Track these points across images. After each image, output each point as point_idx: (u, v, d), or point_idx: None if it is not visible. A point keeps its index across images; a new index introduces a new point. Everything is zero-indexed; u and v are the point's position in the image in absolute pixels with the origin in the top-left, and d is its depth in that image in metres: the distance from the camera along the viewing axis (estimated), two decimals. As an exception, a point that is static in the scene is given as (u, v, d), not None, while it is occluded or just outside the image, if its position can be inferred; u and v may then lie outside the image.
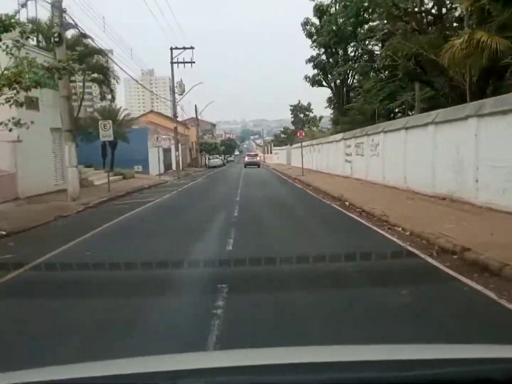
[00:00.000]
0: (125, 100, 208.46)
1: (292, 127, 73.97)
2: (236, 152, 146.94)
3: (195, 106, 60.80)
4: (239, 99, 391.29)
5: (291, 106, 72.22)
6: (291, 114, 72.52)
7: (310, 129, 71.26)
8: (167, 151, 46.74)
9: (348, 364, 1.44)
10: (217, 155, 67.93)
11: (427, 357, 1.49)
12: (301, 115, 72.40)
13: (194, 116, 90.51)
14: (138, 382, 1.40)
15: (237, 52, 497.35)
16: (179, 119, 72.62)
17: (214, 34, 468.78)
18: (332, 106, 37.16)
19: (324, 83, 36.22)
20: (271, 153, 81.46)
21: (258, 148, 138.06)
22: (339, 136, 28.59)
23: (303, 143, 47.69)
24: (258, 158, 57.09)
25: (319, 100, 72.24)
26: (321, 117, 71.59)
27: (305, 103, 72.45)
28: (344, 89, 34.45)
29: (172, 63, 42.77)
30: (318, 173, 32.37)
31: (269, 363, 1.49)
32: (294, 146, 54.25)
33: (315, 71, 35.59)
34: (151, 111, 66.03)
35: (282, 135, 74.49)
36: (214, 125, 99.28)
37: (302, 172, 31.64)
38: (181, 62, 43.05)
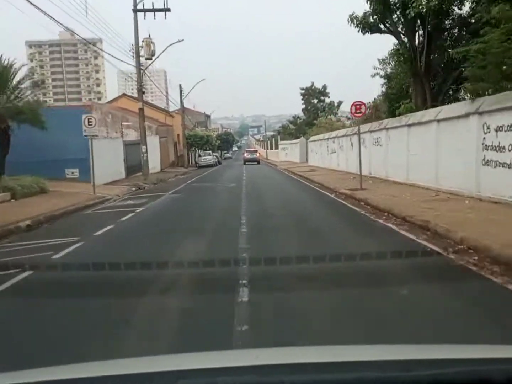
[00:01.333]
0: (119, 94, 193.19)
1: (304, 117, 58.35)
2: (234, 148, 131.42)
3: (180, 86, 45.26)
4: (238, 94, 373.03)
5: (302, 89, 56.63)
6: (302, 99, 56.98)
7: (326, 118, 55.82)
8: (132, 146, 31.30)
9: (348, 364, 1.40)
10: (210, 151, 52.35)
11: (427, 357, 1.44)
12: (315, 101, 56.89)
13: (188, 107, 75.19)
14: (139, 382, 1.35)
15: (235, 45, 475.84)
16: (162, 111, 56.91)
17: (214, 28, 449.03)
18: (400, 61, 21.72)
19: (383, 27, 20.70)
20: (276, 148, 66.03)
21: (258, 144, 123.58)
22: (464, 106, 12.95)
23: (332, 134, 32.29)
24: (257, 155, 53.77)
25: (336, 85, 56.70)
26: (340, 103, 56.00)
27: (319, 86, 56.83)
28: (426, 32, 18.95)
29: (135, 10, 27.31)
30: (390, 184, 16.92)
31: (270, 363, 1.45)
32: (314, 138, 38.64)
33: (367, 6, 20.13)
34: (124, 95, 50.48)
35: (291, 126, 59.10)
36: (208, 116, 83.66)
37: (361, 184, 16.16)
38: (149, 10, 27.58)
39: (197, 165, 50.08)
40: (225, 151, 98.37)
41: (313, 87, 56.40)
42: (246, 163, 47.85)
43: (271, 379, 1.31)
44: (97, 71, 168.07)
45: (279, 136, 61.62)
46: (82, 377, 1.40)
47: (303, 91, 56.78)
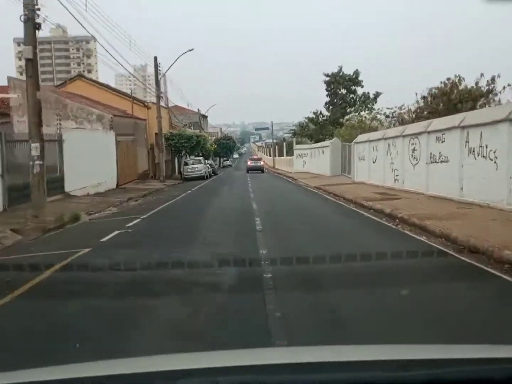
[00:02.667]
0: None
1: (328, 113, 42.54)
2: (235, 155, 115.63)
3: (155, 59, 29.02)
4: (239, 101, 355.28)
5: (327, 75, 40.85)
6: (326, 89, 41.22)
7: (358, 115, 40.21)
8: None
9: (348, 364, 1.37)
10: (201, 158, 36.29)
11: (427, 357, 1.41)
12: (343, 91, 41.20)
13: (186, 107, 59.84)
14: (138, 382, 1.31)
15: (237, 46, 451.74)
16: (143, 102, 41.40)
17: (216, 33, 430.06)
18: None
19: None
20: (287, 155, 50.44)
21: (260, 150, 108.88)
22: None
23: (441, 123, 15.73)
24: (261, 163, 48.60)
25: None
26: (377, 95, 40.28)
27: (349, 72, 40.99)
28: None
29: None
30: None
31: (269, 363, 1.42)
32: (371, 136, 22.35)
33: None
34: (79, 76, 34.73)
35: (310, 126, 43.15)
36: (204, 117, 67.96)
37: None
38: None
39: (184, 176, 34.43)
40: (225, 158, 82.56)
41: (341, 74, 40.74)
42: (250, 171, 42.96)
43: (272, 379, 1.28)
44: (89, 71, 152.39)
45: (294, 139, 45.83)
46: (82, 376, 1.35)
47: (327, 79, 40.98)
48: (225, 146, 78.09)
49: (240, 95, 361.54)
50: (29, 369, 1.51)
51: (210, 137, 75.18)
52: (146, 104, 33.30)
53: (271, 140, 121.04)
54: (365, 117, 39.55)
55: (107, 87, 33.70)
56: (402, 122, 34.38)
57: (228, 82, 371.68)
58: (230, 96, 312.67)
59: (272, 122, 62.40)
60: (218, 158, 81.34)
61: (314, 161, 36.07)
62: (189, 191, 21.28)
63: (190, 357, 1.81)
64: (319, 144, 34.68)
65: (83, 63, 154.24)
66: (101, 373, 1.37)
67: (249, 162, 48.25)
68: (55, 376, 1.39)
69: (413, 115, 34.20)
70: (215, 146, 60.76)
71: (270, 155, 78.94)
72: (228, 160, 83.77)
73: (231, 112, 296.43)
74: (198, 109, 57.63)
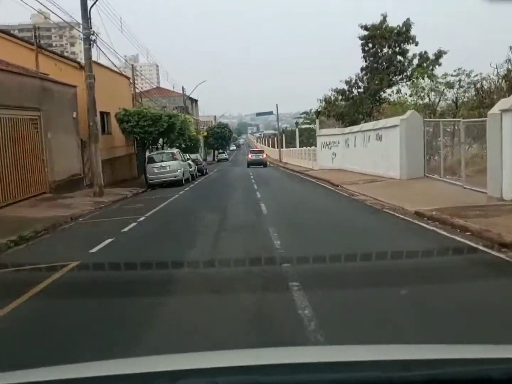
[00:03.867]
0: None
1: (364, 84, 28.58)
2: (232, 147, 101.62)
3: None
4: (236, 92, 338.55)
5: (364, 28, 26.64)
6: (363, 48, 27.14)
7: (412, 83, 26.40)
8: None
9: (348, 364, 1.34)
10: (174, 151, 22.09)
11: (427, 357, 1.37)
12: (388, 51, 27.39)
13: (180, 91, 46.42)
14: (138, 382, 1.28)
15: (234, 39, 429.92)
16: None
17: (212, 25, 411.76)
18: None
19: None
20: (314, 145, 36.85)
21: (259, 141, 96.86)
22: None
23: None
24: (264, 156, 43.04)
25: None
26: (440, 54, 26.36)
27: (396, 22, 27.14)
28: None
29: None
30: None
31: (269, 363, 1.37)
32: None
33: None
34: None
35: (341, 100, 28.50)
36: (194, 101, 54.08)
37: None
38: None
39: (147, 180, 20.79)
40: (220, 151, 68.47)
41: (384, 26, 26.83)
42: (251, 166, 39.02)
43: (271, 379, 1.25)
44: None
45: (317, 121, 31.77)
46: (82, 377, 1.33)
47: (365, 34, 26.99)
48: (220, 136, 64.13)
49: (238, 87, 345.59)
50: (29, 369, 1.45)
51: (202, 127, 61.11)
52: (81, 63, 19.49)
53: (269, 131, 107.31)
54: (423, 87, 25.66)
55: (8, 34, 19.94)
56: (481, 93, 20.84)
57: (225, 73, 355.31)
58: (227, 88, 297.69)
59: (277, 105, 48.56)
60: (212, 151, 67.55)
61: (355, 153, 22.38)
62: (109, 240, 7.57)
63: (190, 357, 1.74)
64: (370, 125, 20.82)
65: (67, 51, 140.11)
66: (101, 373, 1.34)
67: (249, 155, 43.32)
68: (55, 376, 1.35)
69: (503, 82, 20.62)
70: (205, 134, 46.98)
71: (271, 146, 65.30)
72: (224, 153, 69.57)
73: (228, 104, 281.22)
74: (183, 87, 43.70)
